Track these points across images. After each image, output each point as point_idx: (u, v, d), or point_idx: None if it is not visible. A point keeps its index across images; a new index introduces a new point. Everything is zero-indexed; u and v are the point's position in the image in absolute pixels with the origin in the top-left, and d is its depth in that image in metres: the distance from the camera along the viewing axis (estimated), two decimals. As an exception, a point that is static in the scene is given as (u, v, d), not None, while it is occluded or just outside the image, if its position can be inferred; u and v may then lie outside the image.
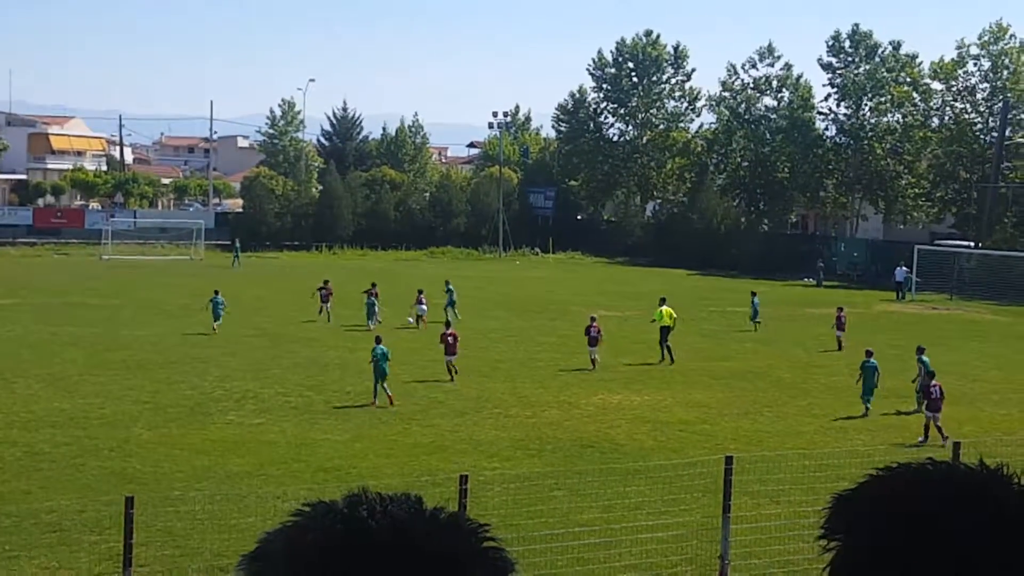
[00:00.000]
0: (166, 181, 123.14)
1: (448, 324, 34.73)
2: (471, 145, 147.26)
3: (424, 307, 42.89)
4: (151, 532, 15.99)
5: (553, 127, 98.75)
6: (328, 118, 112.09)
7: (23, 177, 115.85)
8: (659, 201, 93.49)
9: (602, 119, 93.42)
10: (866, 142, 78.37)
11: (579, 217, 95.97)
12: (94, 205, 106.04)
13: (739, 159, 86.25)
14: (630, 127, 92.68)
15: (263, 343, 37.14)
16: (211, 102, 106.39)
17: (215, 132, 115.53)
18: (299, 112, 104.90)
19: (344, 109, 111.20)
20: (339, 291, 44.88)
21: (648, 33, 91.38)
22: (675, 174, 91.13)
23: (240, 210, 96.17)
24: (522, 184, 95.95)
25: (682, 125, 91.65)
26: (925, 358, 28.21)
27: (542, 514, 18.02)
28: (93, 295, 51.26)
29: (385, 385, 27.52)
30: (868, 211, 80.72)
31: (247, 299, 48.47)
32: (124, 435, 23.34)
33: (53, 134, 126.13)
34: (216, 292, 40.80)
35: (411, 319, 42.82)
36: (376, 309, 42.51)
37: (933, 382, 25.49)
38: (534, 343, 38.68)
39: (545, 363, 34.55)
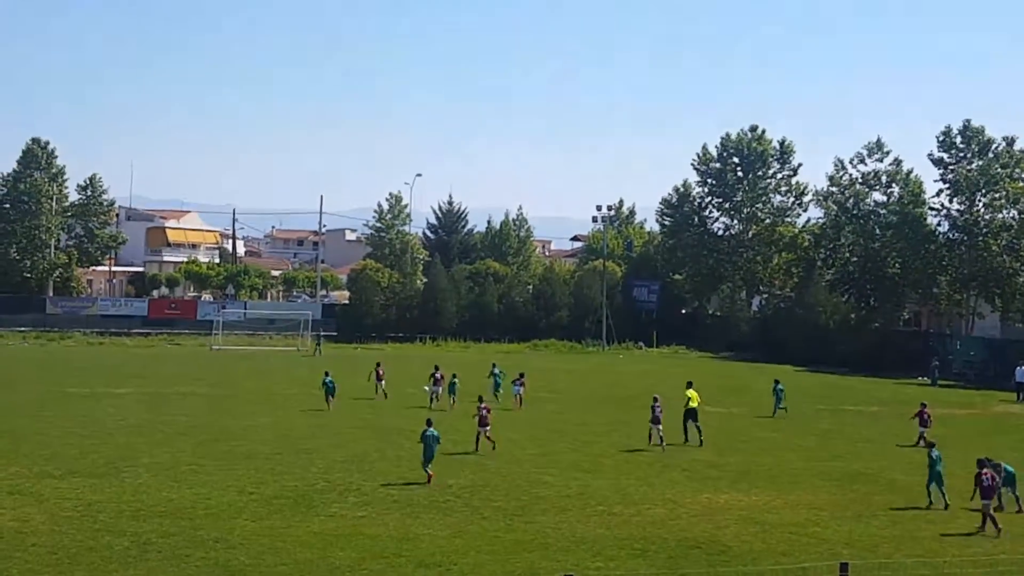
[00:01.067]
0: (276, 273, 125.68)
1: (481, 399, 37.00)
2: (575, 238, 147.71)
3: (521, 388, 46.28)
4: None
5: (657, 221, 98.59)
6: (434, 211, 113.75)
7: (140, 269, 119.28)
8: (765, 296, 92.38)
9: (707, 213, 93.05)
10: (981, 239, 76.53)
11: (684, 311, 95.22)
12: (206, 296, 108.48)
13: (848, 254, 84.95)
14: (735, 221, 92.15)
15: (367, 435, 37.23)
16: (320, 196, 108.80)
17: (324, 226, 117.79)
18: (406, 205, 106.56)
19: (449, 202, 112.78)
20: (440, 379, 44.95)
21: (753, 128, 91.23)
22: (782, 269, 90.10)
23: (347, 302, 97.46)
24: (626, 277, 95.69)
25: (788, 220, 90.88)
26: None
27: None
28: (203, 385, 52.12)
29: (429, 467, 28.93)
30: (984, 309, 78.55)
31: (352, 389, 48.75)
32: (229, 526, 23.42)
33: (170, 228, 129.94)
34: (327, 373, 45.05)
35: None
36: (454, 389, 45.48)
37: (984, 469, 25.46)
38: (638, 438, 38.06)
39: (649, 459, 34.00)
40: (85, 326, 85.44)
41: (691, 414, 37.69)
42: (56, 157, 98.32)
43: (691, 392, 38.30)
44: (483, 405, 35.13)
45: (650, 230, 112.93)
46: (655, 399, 36.88)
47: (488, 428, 34.28)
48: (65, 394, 46.87)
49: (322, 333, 79.80)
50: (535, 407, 46.70)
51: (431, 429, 29.64)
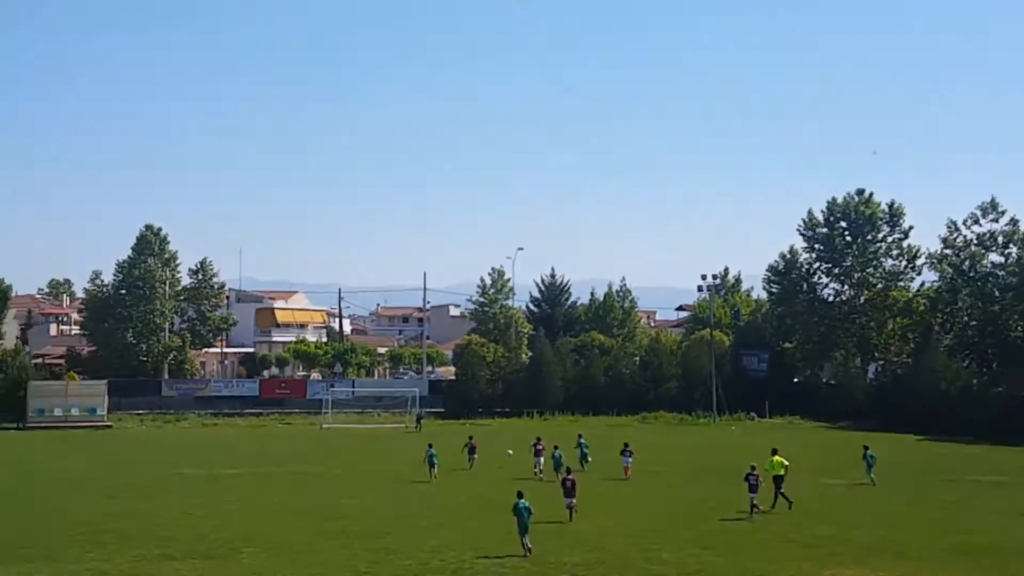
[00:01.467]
0: (382, 350, 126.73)
1: (569, 470, 38.01)
2: (680, 308, 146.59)
3: (629, 459, 46.87)
4: None
5: (764, 288, 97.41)
6: (536, 284, 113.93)
7: (251, 350, 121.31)
8: (881, 362, 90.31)
9: (815, 279, 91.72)
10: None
11: (796, 380, 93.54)
12: (315, 375, 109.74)
13: (966, 318, 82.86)
14: (846, 287, 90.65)
15: (477, 510, 37.02)
16: (424, 273, 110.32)
17: (428, 302, 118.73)
18: (508, 280, 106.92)
19: (552, 275, 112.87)
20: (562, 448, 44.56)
21: (860, 192, 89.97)
22: (897, 334, 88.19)
23: (453, 378, 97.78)
24: (734, 347, 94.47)
25: (902, 284, 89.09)
26: None
27: None
28: (314, 464, 52.50)
29: (526, 538, 28.99)
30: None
31: (460, 463, 48.62)
32: (346, 608, 23.32)
33: (278, 308, 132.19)
34: (430, 445, 47.33)
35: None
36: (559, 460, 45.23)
37: None
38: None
39: (771, 534, 33.13)
40: (199, 407, 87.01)
41: (777, 481, 38.21)
42: (168, 243, 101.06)
43: (776, 458, 38.90)
44: (569, 476, 36.10)
45: (757, 297, 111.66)
46: (751, 468, 37.23)
47: (574, 499, 34.74)
48: (182, 476, 47.61)
49: (425, 410, 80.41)
50: (647, 481, 46.07)
51: (523, 500, 29.70)
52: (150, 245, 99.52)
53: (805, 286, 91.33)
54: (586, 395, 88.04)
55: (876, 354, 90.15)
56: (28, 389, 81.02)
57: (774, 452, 39.76)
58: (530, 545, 28.96)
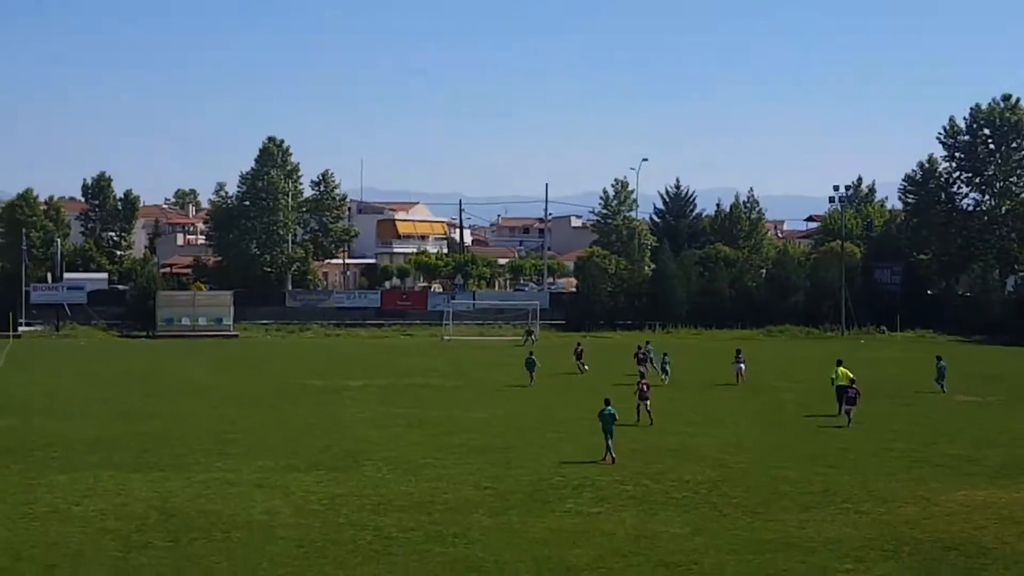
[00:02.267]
0: (502, 261, 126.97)
1: (642, 375, 41.65)
2: (809, 219, 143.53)
3: (742, 365, 49.59)
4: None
5: (900, 198, 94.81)
6: (661, 196, 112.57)
7: (372, 261, 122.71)
8: (1021, 275, 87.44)
9: (954, 189, 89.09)
10: None
11: (929, 293, 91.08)
12: (436, 287, 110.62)
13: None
14: (987, 197, 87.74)
15: (599, 427, 36.71)
16: (546, 185, 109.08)
17: (550, 214, 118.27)
18: (632, 191, 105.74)
19: (677, 186, 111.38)
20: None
21: (1007, 97, 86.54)
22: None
23: (574, 290, 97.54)
24: (866, 259, 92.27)
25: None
26: None
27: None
28: (435, 376, 52.94)
29: (610, 443, 30.06)
30: None
31: (579, 381, 48.63)
32: (467, 521, 23.40)
33: (399, 220, 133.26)
34: (531, 353, 52.56)
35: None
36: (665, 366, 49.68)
37: None
38: (886, 431, 36.32)
39: (899, 453, 32.30)
40: (322, 318, 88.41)
41: (840, 392, 38.61)
42: (291, 154, 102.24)
43: (841, 369, 39.54)
44: (643, 381, 38.74)
45: (891, 208, 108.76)
46: (851, 381, 38.28)
47: (648, 402, 36.99)
48: (305, 387, 48.44)
49: (536, 323, 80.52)
50: (770, 396, 45.40)
51: (609, 407, 30.57)
52: (273, 157, 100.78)
53: (943, 196, 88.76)
54: (710, 308, 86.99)
55: (1016, 266, 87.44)
56: (157, 299, 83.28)
57: (839, 363, 40.20)
58: (614, 454, 29.91)
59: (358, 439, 33.89)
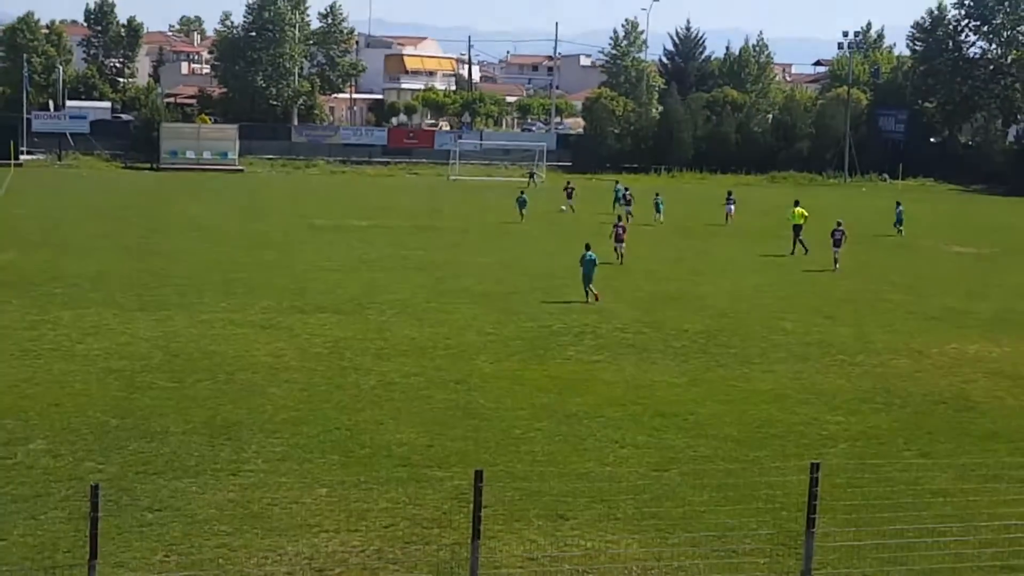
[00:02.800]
0: (511, 99, 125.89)
1: (619, 218, 42.10)
2: (818, 63, 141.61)
3: (732, 207, 53.13)
4: (493, 472, 16.03)
5: (908, 46, 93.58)
6: (671, 37, 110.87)
7: (379, 97, 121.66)
8: (1023, 125, 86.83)
9: (962, 37, 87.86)
10: None
11: (932, 141, 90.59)
12: (443, 125, 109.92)
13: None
14: (994, 46, 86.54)
15: (603, 273, 36.70)
16: (556, 23, 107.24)
17: (559, 54, 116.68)
18: (642, 32, 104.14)
19: (687, 27, 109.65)
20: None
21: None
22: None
23: (581, 132, 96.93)
24: (872, 106, 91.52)
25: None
26: None
27: (890, 479, 16.98)
28: (441, 218, 53.08)
29: (591, 287, 31.23)
30: None
31: (594, 225, 48.83)
32: (468, 367, 23.81)
33: (407, 55, 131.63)
34: (521, 192, 55.17)
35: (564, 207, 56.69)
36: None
37: None
38: (883, 281, 36.74)
39: (895, 304, 32.74)
40: (328, 154, 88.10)
41: (796, 230, 42.55)
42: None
43: (798, 210, 43.18)
44: (619, 224, 40.05)
45: (899, 55, 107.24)
46: (838, 223, 39.51)
47: (623, 244, 38.87)
48: (311, 226, 48.58)
49: (539, 164, 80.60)
50: (771, 245, 45.61)
51: (590, 252, 31.62)
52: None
53: (951, 44, 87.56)
54: (716, 153, 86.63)
55: (1019, 116, 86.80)
56: (161, 131, 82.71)
57: (796, 203, 43.95)
58: (595, 291, 31.20)
59: (363, 282, 34.17)
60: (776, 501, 15.68)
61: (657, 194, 54.16)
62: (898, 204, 51.41)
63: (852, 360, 25.54)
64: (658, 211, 52.75)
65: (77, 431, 18.59)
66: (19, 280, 32.64)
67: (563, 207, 56.60)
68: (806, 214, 43.11)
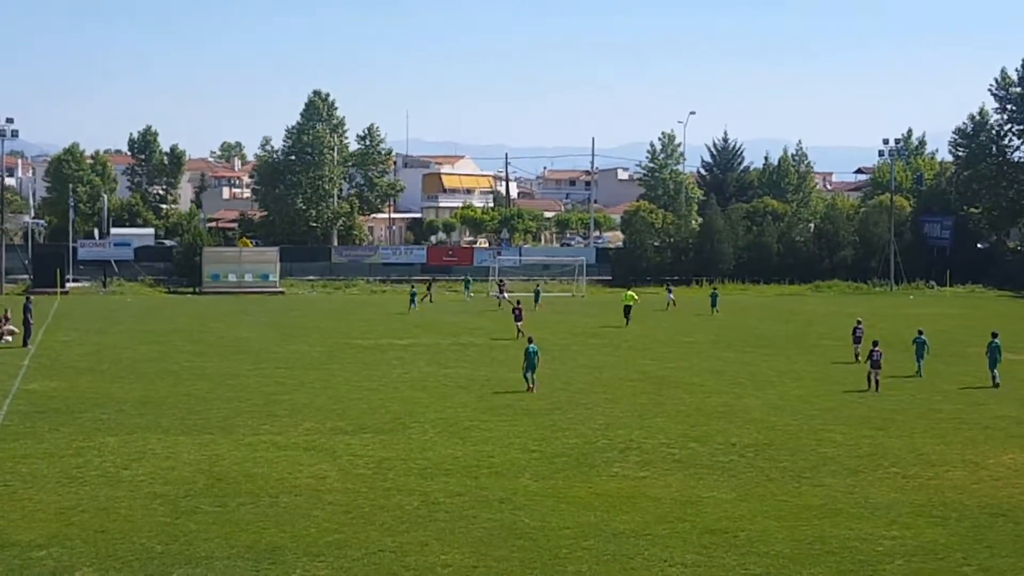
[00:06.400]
0: (548, 214, 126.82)
1: (519, 301, 53.92)
2: (859, 171, 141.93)
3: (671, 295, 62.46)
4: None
5: (950, 151, 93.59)
6: (708, 148, 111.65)
7: (418, 215, 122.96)
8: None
9: (1005, 142, 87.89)
10: None
11: (980, 247, 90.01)
12: (482, 241, 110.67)
13: None
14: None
15: (646, 387, 36.74)
16: (592, 138, 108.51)
17: (596, 168, 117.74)
18: (679, 144, 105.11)
19: (724, 139, 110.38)
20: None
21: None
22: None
23: (620, 245, 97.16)
24: (916, 213, 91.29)
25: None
26: None
27: (951, 595, 16.39)
28: (481, 334, 52.93)
29: (532, 376, 35.05)
30: None
31: (633, 337, 48.45)
32: (513, 486, 23.46)
33: (445, 173, 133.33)
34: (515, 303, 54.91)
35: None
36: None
37: None
38: (934, 391, 36.04)
39: (947, 415, 32.04)
40: (368, 274, 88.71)
41: (627, 311, 52.66)
42: (336, 108, 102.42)
43: (629, 292, 55.22)
44: (519, 306, 50.87)
45: (942, 160, 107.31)
46: (858, 321, 43.27)
47: (521, 323, 48.87)
48: (351, 345, 48.54)
49: (583, 278, 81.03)
50: (817, 354, 45.06)
51: (532, 345, 35.62)
52: (318, 111, 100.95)
53: (995, 148, 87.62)
54: (758, 263, 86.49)
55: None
56: (203, 255, 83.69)
57: (629, 286, 56.87)
58: (535, 382, 34.93)
59: (404, 400, 33.98)
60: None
61: (714, 288, 61.48)
62: (920, 333, 40.90)
63: (905, 472, 24.94)
64: (714, 305, 60.07)
65: (123, 558, 18.50)
66: (65, 407, 32.71)
67: (498, 299, 64.75)
68: (636, 297, 55.31)
